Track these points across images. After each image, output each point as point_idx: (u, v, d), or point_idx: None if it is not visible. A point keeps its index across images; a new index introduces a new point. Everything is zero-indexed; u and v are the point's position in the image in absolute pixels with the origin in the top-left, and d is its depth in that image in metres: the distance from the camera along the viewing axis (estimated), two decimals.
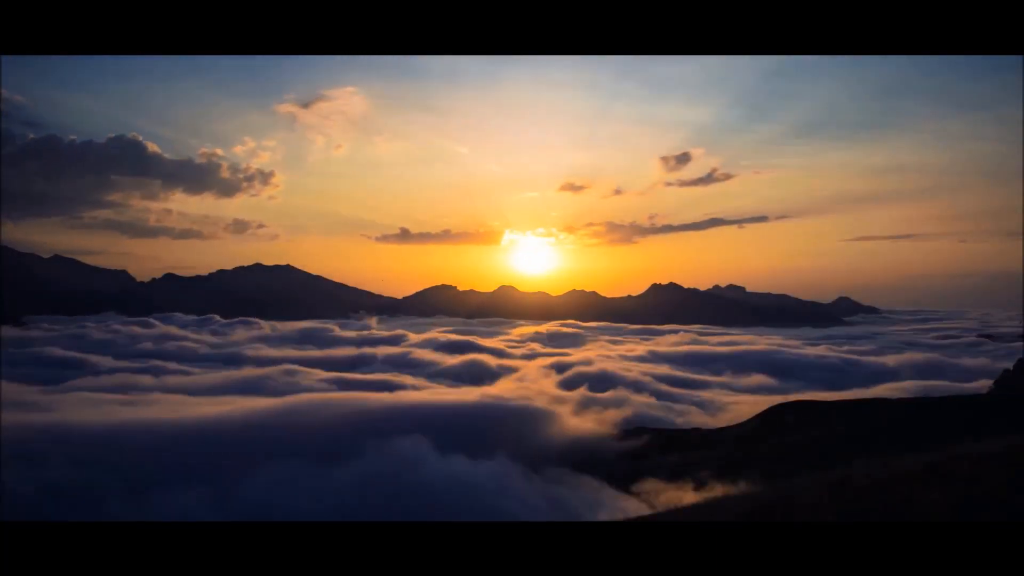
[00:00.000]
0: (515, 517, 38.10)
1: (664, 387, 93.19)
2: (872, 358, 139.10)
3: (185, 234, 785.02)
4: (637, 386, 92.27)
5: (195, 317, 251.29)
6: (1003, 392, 57.65)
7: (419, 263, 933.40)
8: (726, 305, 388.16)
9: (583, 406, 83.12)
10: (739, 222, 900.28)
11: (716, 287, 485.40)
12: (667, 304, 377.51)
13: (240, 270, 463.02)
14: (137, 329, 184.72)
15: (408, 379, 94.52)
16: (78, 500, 40.46)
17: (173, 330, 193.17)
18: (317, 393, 76.62)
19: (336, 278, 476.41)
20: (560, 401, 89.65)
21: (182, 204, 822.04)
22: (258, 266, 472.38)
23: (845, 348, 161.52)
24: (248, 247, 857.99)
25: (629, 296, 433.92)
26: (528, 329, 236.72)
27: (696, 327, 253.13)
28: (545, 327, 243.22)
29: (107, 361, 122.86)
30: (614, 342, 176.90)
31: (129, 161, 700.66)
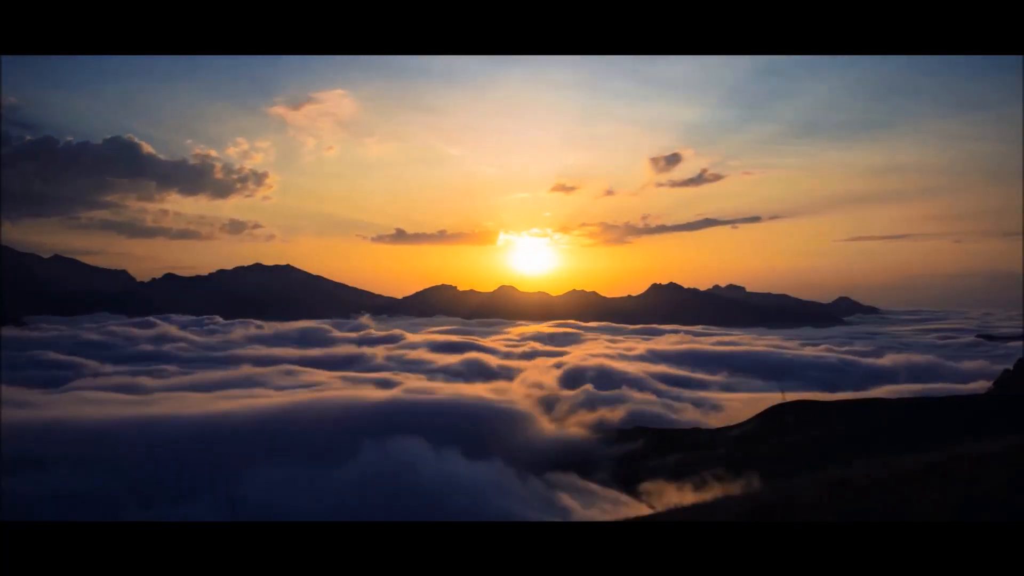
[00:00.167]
0: (515, 517, 38.10)
1: (664, 387, 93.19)
2: (872, 359, 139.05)
3: (182, 234, 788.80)
4: (637, 386, 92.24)
5: (193, 317, 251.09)
6: (1003, 392, 57.63)
7: (419, 263, 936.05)
8: (726, 305, 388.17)
9: (583, 406, 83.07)
10: (732, 222, 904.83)
11: (716, 287, 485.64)
12: (667, 304, 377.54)
13: (240, 270, 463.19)
14: (135, 331, 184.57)
15: (405, 378, 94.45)
16: (78, 499, 40.52)
17: (172, 330, 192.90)
18: (306, 391, 76.04)
19: (336, 278, 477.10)
20: (560, 401, 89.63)
21: (177, 205, 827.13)
22: (258, 266, 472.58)
23: (845, 348, 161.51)
24: (245, 247, 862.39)
25: (629, 296, 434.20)
26: (528, 329, 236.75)
27: (696, 327, 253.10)
28: (545, 327, 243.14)
29: (106, 361, 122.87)
30: (614, 342, 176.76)
31: (125, 162, 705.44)
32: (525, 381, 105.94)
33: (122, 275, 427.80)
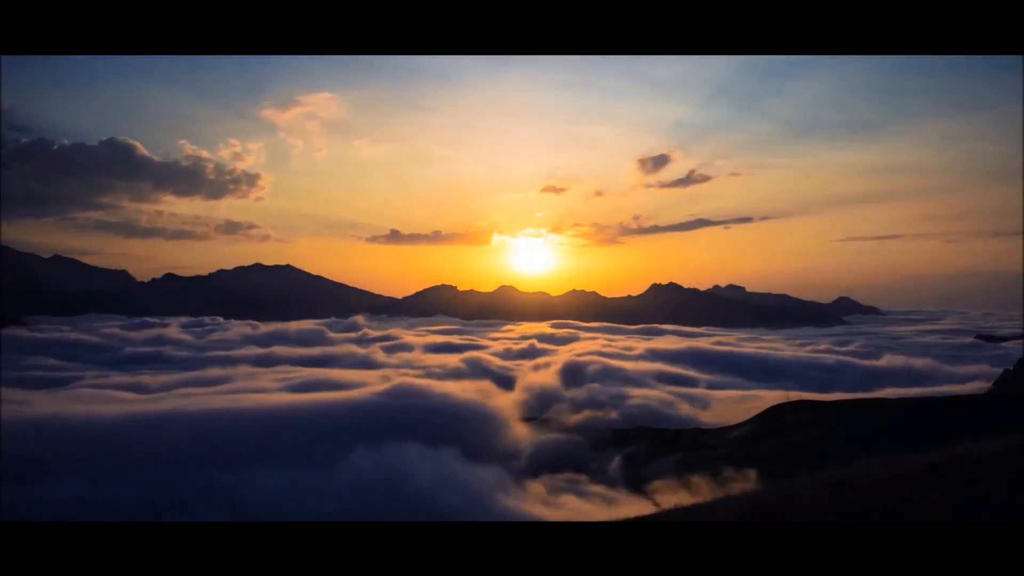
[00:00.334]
0: (514, 517, 38.11)
1: (664, 387, 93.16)
2: (871, 359, 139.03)
3: (178, 235, 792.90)
4: (638, 385, 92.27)
5: (192, 318, 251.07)
6: (1003, 392, 57.65)
7: (419, 264, 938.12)
8: (726, 305, 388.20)
9: (583, 406, 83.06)
10: (724, 223, 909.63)
11: (716, 287, 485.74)
12: (667, 304, 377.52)
13: (240, 270, 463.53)
14: (133, 333, 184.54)
15: (402, 379, 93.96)
16: (76, 499, 40.56)
17: (171, 331, 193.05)
18: (297, 394, 75.69)
19: (336, 278, 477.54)
20: (560, 401, 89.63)
21: (173, 206, 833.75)
22: (258, 266, 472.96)
23: (845, 349, 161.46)
24: (242, 247, 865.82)
25: (629, 296, 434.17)
26: (528, 328, 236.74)
27: (696, 327, 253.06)
28: (545, 327, 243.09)
29: (106, 362, 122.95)
30: (615, 342, 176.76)
31: (119, 164, 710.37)
32: (525, 381, 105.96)
33: (122, 275, 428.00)
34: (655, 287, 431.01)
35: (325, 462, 45.55)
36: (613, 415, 74.18)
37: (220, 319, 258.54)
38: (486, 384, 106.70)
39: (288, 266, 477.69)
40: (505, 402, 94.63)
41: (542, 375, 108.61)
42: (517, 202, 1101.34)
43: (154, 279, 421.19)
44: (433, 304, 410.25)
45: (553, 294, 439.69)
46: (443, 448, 48.66)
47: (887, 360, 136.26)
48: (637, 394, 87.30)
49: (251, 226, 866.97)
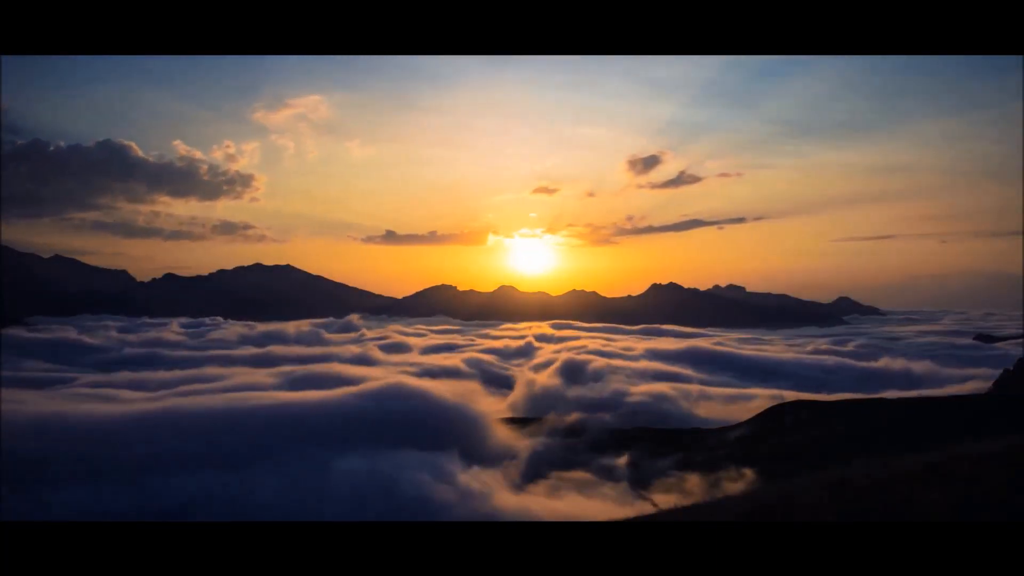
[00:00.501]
0: (514, 517, 38.09)
1: (665, 387, 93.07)
2: (871, 359, 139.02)
3: (176, 235, 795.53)
4: (637, 385, 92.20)
5: (191, 319, 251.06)
6: (1003, 392, 57.61)
7: (419, 264, 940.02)
8: (726, 305, 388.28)
9: (583, 406, 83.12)
10: (717, 223, 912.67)
11: (716, 287, 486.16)
12: (667, 304, 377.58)
13: (240, 270, 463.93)
14: (128, 336, 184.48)
15: (398, 380, 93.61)
16: (74, 498, 40.61)
17: (168, 333, 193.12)
18: (288, 393, 75.41)
19: (336, 279, 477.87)
20: (560, 401, 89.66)
21: (169, 207, 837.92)
22: (258, 266, 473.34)
23: (845, 349, 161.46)
24: (239, 248, 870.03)
25: (629, 296, 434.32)
26: (528, 328, 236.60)
27: (696, 328, 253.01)
28: (546, 327, 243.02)
29: (106, 362, 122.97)
30: (615, 342, 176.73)
31: (115, 165, 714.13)
32: (525, 381, 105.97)
33: (122, 275, 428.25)
34: (655, 287, 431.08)
35: (309, 466, 45.50)
36: (613, 415, 74.18)
37: (220, 319, 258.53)
38: (486, 384, 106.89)
39: (288, 266, 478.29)
40: (505, 402, 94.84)
41: (542, 375, 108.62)
42: (510, 203, 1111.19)
43: (154, 279, 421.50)
44: (433, 304, 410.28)
45: (553, 294, 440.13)
46: (436, 451, 48.79)
47: (887, 360, 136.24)
48: (637, 394, 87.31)
49: (247, 226, 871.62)
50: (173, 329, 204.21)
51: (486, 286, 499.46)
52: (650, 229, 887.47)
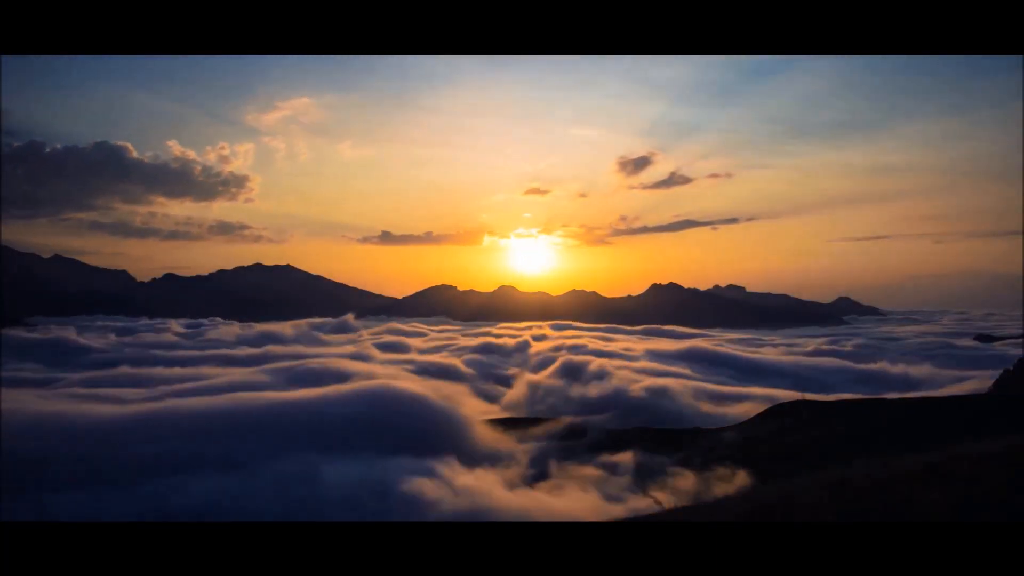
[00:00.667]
0: (514, 517, 38.09)
1: (664, 387, 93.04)
2: (871, 359, 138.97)
3: (173, 235, 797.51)
4: (637, 386, 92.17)
5: (188, 319, 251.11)
6: (1003, 392, 57.53)
7: (418, 264, 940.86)
8: (726, 305, 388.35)
9: (583, 405, 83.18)
10: (711, 223, 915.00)
11: (716, 287, 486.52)
12: (668, 304, 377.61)
13: (240, 270, 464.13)
14: (126, 337, 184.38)
15: (393, 381, 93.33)
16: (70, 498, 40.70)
17: (166, 334, 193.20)
18: (279, 392, 75.29)
19: (336, 279, 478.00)
20: (560, 400, 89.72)
21: (165, 207, 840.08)
22: (258, 266, 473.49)
23: (845, 349, 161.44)
24: (238, 248, 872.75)
25: (629, 296, 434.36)
26: (528, 328, 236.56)
27: (696, 328, 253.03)
28: (546, 327, 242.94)
29: (105, 362, 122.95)
30: (615, 342, 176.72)
31: (111, 167, 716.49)
32: (524, 381, 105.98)
33: (122, 275, 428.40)
34: (655, 287, 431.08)
35: (290, 470, 45.50)
36: (613, 415, 74.16)
37: (219, 319, 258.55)
38: (486, 384, 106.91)
39: (288, 266, 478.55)
40: (505, 402, 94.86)
41: (542, 375, 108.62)
42: (504, 203, 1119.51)
43: (154, 279, 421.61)
44: (433, 304, 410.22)
45: (553, 294, 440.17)
46: (430, 452, 48.90)
47: (886, 360, 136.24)
48: (637, 394, 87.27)
49: (243, 227, 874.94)
50: (171, 330, 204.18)
51: (486, 286, 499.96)
52: (644, 229, 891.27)
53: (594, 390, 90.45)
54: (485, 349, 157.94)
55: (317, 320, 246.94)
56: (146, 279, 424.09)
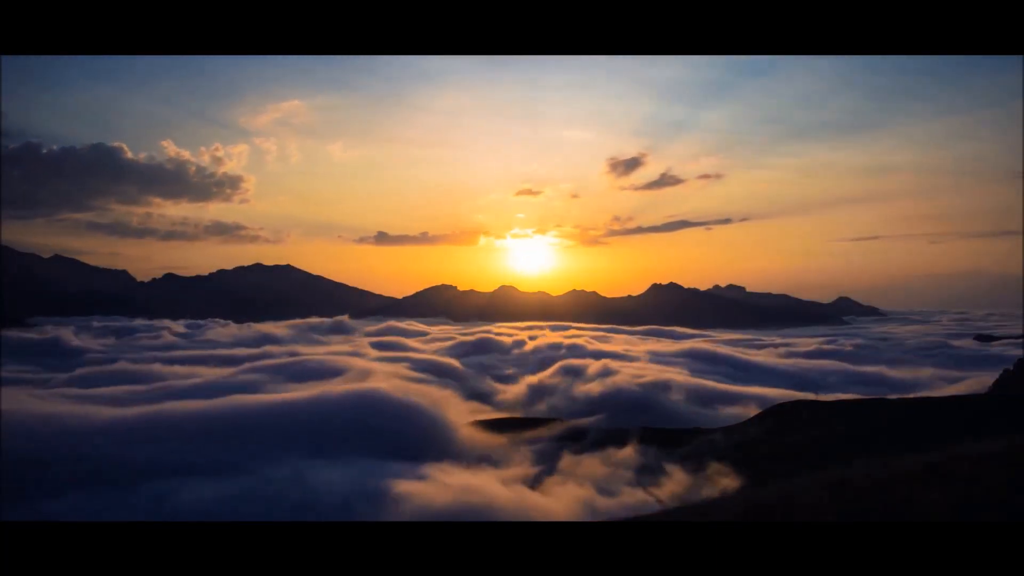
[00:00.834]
0: (514, 517, 38.08)
1: (664, 387, 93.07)
2: (871, 360, 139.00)
3: (169, 236, 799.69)
4: (637, 386, 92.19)
5: (186, 320, 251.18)
6: (1003, 392, 57.58)
7: (418, 264, 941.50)
8: (727, 305, 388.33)
9: (583, 405, 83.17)
10: (705, 224, 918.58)
11: (716, 287, 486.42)
12: (668, 304, 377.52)
13: (240, 270, 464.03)
14: (120, 337, 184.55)
15: (390, 381, 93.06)
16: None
17: (163, 334, 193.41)
18: (272, 395, 75.22)
19: (337, 278, 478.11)
20: (560, 400, 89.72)
21: (160, 208, 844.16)
22: (258, 266, 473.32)
23: (845, 349, 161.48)
24: (235, 248, 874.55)
25: (629, 296, 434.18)
26: (528, 328, 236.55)
27: (696, 328, 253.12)
28: (545, 326, 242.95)
29: (104, 362, 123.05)
30: (615, 342, 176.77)
31: (107, 168, 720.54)
32: (524, 380, 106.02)
33: (122, 275, 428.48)
34: (655, 287, 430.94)
35: (289, 474, 45.51)
36: (613, 415, 74.12)
37: (220, 320, 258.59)
38: (486, 384, 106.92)
39: (288, 266, 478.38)
40: (505, 402, 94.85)
41: (541, 375, 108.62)
42: (497, 204, 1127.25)
43: (154, 279, 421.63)
44: (433, 304, 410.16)
45: (553, 294, 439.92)
46: (425, 454, 49.05)
47: (886, 361, 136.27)
48: (637, 394, 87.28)
49: (239, 227, 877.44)
50: (168, 330, 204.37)
51: (486, 286, 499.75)
52: (639, 230, 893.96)
53: (594, 390, 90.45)
54: (484, 349, 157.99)
55: (315, 320, 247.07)
56: (146, 279, 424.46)
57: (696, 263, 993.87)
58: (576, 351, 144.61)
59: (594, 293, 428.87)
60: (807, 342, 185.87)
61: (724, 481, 37.09)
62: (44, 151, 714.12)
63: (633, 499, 39.18)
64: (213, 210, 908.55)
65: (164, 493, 42.42)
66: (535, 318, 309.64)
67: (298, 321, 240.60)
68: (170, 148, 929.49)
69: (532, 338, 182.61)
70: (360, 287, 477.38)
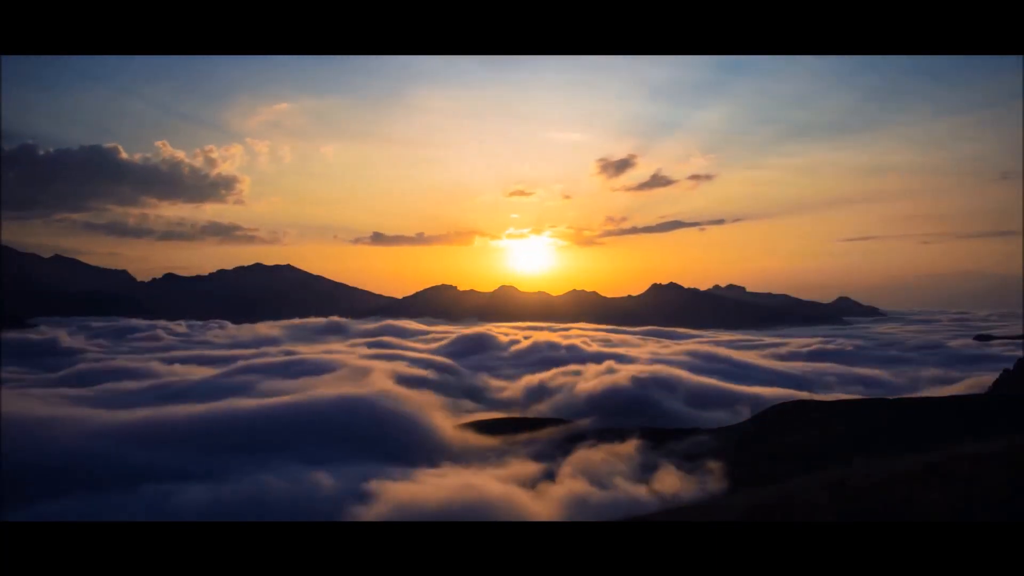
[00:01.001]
0: (514, 517, 38.08)
1: (664, 387, 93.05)
2: (871, 360, 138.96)
3: (166, 236, 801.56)
4: (637, 386, 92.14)
5: (185, 321, 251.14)
6: (1003, 392, 57.60)
7: (417, 264, 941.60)
8: (727, 305, 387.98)
9: (583, 404, 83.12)
10: (698, 224, 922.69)
11: (716, 287, 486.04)
12: (668, 304, 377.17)
13: (240, 270, 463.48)
14: (117, 338, 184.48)
15: (385, 382, 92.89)
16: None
17: (161, 334, 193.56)
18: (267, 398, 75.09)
19: (337, 279, 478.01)
20: (559, 399, 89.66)
21: (156, 208, 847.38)
22: (258, 266, 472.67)
23: (846, 349, 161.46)
24: (234, 248, 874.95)
25: (629, 296, 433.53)
26: (528, 328, 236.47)
27: (697, 328, 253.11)
28: (545, 326, 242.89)
29: (97, 361, 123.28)
30: (615, 342, 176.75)
31: (103, 170, 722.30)
32: (524, 380, 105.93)
33: (122, 275, 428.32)
34: (655, 287, 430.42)
35: (278, 477, 45.51)
36: (611, 415, 74.11)
37: (218, 320, 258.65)
38: (485, 383, 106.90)
39: (288, 266, 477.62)
40: (504, 401, 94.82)
41: (540, 375, 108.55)
42: (490, 204, 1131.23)
43: (154, 279, 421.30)
44: (434, 304, 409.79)
45: (553, 294, 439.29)
46: (419, 455, 49.06)
47: (887, 360, 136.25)
48: (636, 394, 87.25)
49: (235, 228, 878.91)
50: (166, 331, 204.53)
51: (486, 286, 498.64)
52: (634, 230, 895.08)
53: (593, 390, 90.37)
54: (483, 348, 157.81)
55: (313, 320, 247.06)
56: (146, 279, 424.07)
57: (696, 263, 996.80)
58: (575, 351, 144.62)
59: (594, 293, 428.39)
60: (807, 342, 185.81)
61: (723, 481, 37.08)
62: (41, 152, 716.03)
63: (632, 499, 39.15)
64: (209, 211, 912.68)
65: (158, 498, 42.34)
66: (535, 318, 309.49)
67: (296, 321, 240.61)
68: (165, 149, 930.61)
69: (529, 338, 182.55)
70: (360, 287, 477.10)
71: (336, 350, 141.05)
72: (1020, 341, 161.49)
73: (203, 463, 48.55)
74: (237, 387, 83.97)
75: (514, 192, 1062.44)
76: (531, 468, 49.64)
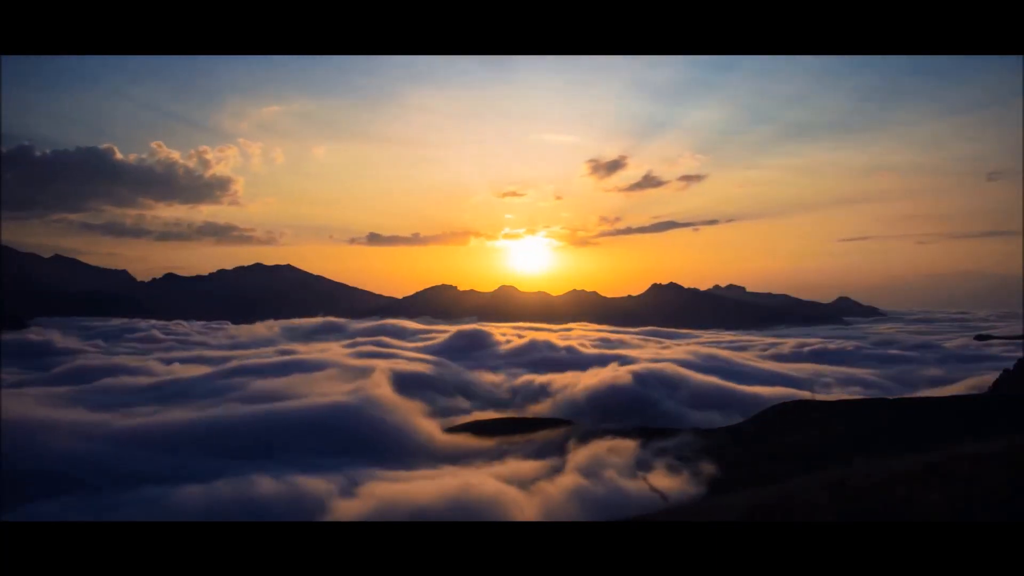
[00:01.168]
0: (514, 518, 38.07)
1: (663, 386, 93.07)
2: (872, 360, 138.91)
3: (163, 237, 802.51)
4: (637, 385, 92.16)
5: (184, 321, 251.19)
6: (1003, 392, 57.59)
7: (414, 264, 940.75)
8: (727, 305, 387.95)
9: (582, 404, 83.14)
10: (692, 225, 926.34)
11: (716, 287, 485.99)
12: (668, 304, 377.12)
13: (240, 270, 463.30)
14: (114, 338, 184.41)
15: (382, 383, 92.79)
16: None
17: (159, 334, 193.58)
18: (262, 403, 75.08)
19: (337, 279, 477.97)
20: (559, 399, 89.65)
21: (153, 209, 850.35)
22: (258, 266, 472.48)
23: (846, 349, 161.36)
24: (233, 249, 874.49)
25: (629, 296, 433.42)
26: (528, 328, 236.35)
27: (697, 328, 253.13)
28: (545, 326, 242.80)
29: (95, 360, 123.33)
30: (615, 342, 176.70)
31: (99, 171, 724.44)
32: (523, 380, 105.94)
33: (122, 275, 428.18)
34: (655, 287, 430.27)
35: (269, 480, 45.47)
36: (610, 414, 74.13)
37: (218, 320, 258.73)
38: (485, 383, 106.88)
39: (288, 266, 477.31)
40: (504, 401, 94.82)
41: (541, 375, 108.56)
42: (484, 205, 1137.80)
43: (154, 279, 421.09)
44: (433, 304, 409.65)
45: (553, 294, 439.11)
46: (415, 455, 49.05)
47: (887, 360, 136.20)
48: (635, 393, 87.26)
49: (232, 228, 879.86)
50: (166, 330, 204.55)
51: (486, 286, 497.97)
52: (628, 231, 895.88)
53: (593, 389, 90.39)
54: (481, 348, 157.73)
55: (311, 320, 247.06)
56: (146, 279, 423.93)
57: (695, 263, 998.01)
58: (575, 351, 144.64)
59: (594, 293, 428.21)
60: (807, 342, 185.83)
61: (723, 481, 37.06)
62: (38, 154, 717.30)
63: (630, 499, 39.13)
64: (205, 211, 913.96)
65: (151, 499, 42.29)
66: (535, 318, 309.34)
67: (293, 321, 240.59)
68: (161, 150, 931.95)
69: (531, 337, 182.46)
70: (360, 287, 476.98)
71: (331, 349, 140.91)
72: (1020, 341, 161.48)
73: (187, 467, 48.47)
74: (231, 387, 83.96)
75: (507, 193, 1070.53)
76: (528, 467, 49.67)
